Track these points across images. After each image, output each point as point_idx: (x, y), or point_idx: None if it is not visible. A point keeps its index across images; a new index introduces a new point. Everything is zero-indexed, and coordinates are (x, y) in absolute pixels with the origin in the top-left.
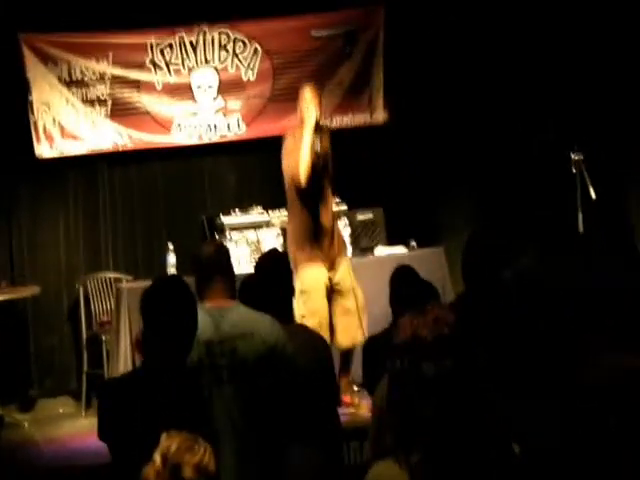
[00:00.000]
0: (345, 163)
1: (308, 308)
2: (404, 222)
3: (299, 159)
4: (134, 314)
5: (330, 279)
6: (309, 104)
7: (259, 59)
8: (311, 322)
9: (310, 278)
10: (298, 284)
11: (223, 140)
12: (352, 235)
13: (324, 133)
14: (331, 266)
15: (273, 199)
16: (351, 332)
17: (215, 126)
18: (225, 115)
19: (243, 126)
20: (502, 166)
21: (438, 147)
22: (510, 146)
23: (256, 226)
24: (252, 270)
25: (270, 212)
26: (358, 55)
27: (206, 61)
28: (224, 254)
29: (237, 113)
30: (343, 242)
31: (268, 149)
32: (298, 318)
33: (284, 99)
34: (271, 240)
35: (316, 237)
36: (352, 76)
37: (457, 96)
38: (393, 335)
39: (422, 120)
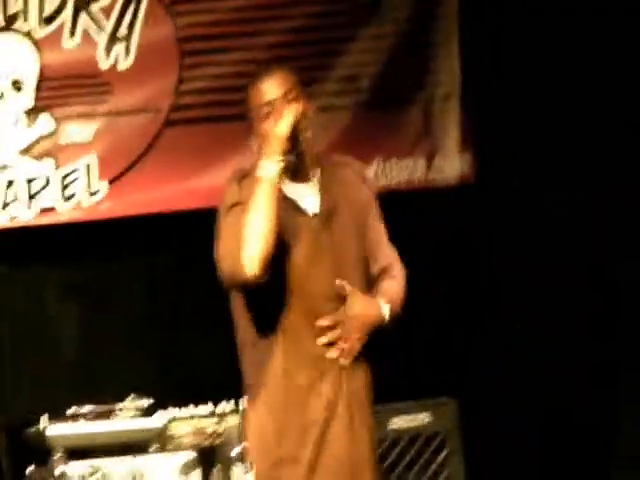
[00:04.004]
0: None
1: None
2: (509, 435)
3: (245, 218)
4: None
5: None
6: (274, 110)
7: (144, 12)
8: None
9: None
10: None
11: (49, 221)
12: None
13: (343, 178)
14: None
15: (177, 378)
16: None
17: (29, 185)
18: (55, 158)
19: (101, 185)
20: None
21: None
22: None
23: (134, 445)
24: None
25: (170, 410)
26: (396, 13)
27: (8, 20)
28: None
29: (89, 153)
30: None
31: (168, 240)
32: None
33: (208, 115)
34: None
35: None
36: (380, 66)
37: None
38: None
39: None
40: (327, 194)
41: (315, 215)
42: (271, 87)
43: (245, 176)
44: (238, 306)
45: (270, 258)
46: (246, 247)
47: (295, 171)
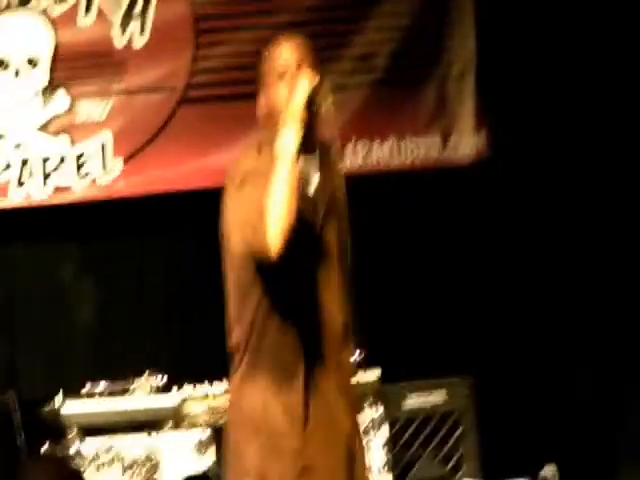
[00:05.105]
0: (378, 262)
1: None
2: (522, 413)
3: (265, 203)
4: None
5: None
6: (288, 75)
7: None
8: None
9: None
10: None
11: (64, 200)
12: (391, 451)
13: (327, 151)
14: None
15: (192, 354)
16: None
17: (45, 163)
18: (70, 135)
19: (116, 162)
20: None
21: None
22: None
23: (148, 423)
24: None
25: (185, 387)
26: None
27: None
28: None
29: (104, 131)
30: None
31: (179, 220)
32: None
33: (223, 94)
34: (184, 457)
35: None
36: (395, 45)
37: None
38: None
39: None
40: (325, 177)
41: (315, 197)
42: (286, 52)
43: (259, 146)
44: (250, 284)
45: (291, 233)
46: (269, 224)
47: (304, 142)
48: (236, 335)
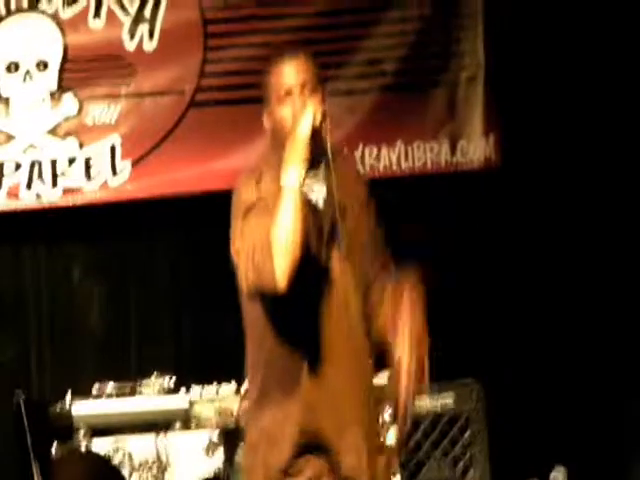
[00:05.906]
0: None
1: None
2: (531, 416)
3: (270, 237)
4: None
5: None
6: (295, 100)
7: None
8: None
9: None
10: None
11: (74, 202)
12: (404, 449)
13: (345, 174)
14: None
15: (201, 355)
16: None
17: (54, 166)
18: (79, 138)
19: (125, 165)
20: None
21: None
22: None
23: (157, 424)
24: None
25: (195, 388)
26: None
27: (32, 1)
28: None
29: (113, 134)
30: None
31: (190, 223)
32: None
33: (232, 98)
34: (193, 458)
35: (318, 433)
36: (404, 50)
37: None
38: None
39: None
40: (336, 189)
41: (325, 210)
42: (291, 72)
43: (260, 172)
44: (260, 315)
45: (296, 268)
46: (275, 259)
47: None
48: (249, 358)
